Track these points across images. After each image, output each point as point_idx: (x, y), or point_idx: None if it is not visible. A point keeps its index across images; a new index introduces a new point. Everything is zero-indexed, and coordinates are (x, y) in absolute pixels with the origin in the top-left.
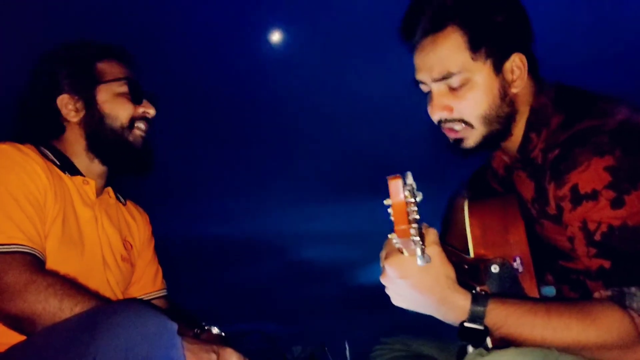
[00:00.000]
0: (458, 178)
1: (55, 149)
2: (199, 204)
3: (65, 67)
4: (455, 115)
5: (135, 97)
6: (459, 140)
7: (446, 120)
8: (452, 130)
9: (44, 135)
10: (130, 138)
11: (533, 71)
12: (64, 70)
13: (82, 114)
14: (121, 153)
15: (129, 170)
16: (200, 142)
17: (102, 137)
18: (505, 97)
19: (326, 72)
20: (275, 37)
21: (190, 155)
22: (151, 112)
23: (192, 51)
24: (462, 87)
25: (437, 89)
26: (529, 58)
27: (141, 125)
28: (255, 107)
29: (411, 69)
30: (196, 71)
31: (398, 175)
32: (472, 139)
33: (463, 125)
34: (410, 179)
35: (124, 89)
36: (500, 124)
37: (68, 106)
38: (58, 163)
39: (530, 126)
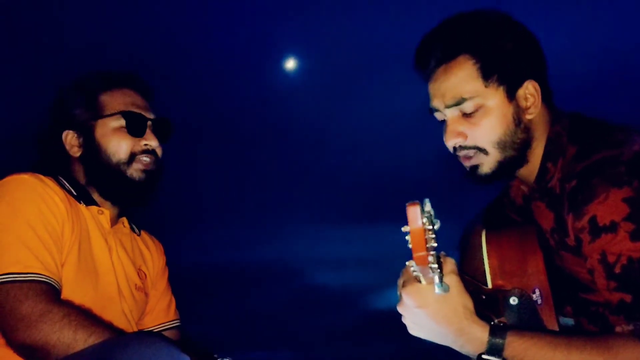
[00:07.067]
0: (476, 207)
1: (73, 178)
2: (210, 231)
3: (70, 102)
4: (469, 142)
5: (134, 130)
6: (475, 167)
7: (461, 148)
8: (467, 157)
9: (57, 167)
10: (129, 173)
11: (547, 99)
12: (69, 106)
13: (82, 149)
14: (119, 188)
15: (127, 203)
16: (212, 168)
17: (98, 173)
18: (520, 123)
19: (341, 98)
20: (290, 64)
21: (201, 181)
22: (152, 143)
23: (204, 78)
24: (475, 114)
25: (451, 115)
26: (542, 86)
27: (144, 158)
28: (267, 133)
29: (425, 94)
30: (208, 98)
31: (417, 201)
32: (487, 165)
33: (477, 151)
34: (428, 206)
35: (120, 122)
36: (515, 150)
37: (71, 142)
38: (75, 193)
39: (547, 156)
